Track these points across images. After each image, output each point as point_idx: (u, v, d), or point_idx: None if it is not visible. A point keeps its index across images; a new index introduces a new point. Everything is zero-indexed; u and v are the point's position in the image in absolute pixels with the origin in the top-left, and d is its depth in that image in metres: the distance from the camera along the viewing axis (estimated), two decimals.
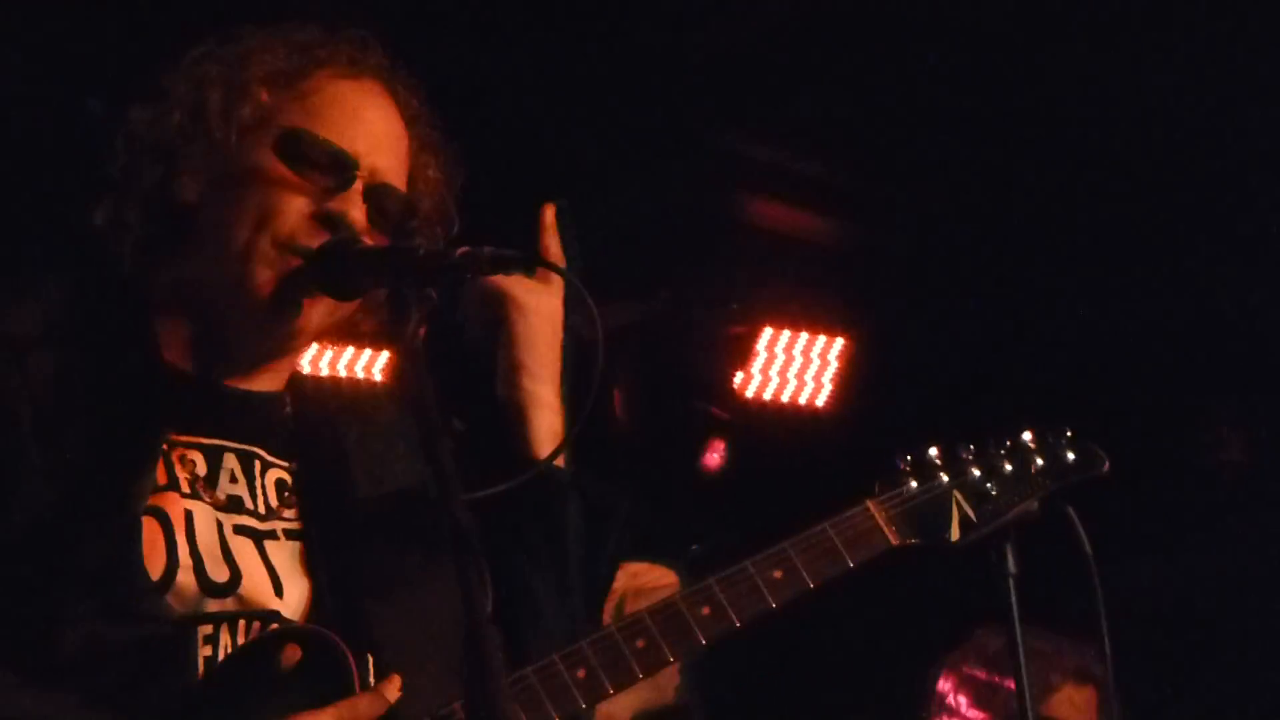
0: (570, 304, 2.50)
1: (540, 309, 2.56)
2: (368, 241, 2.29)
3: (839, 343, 6.42)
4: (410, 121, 2.45)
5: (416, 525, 2.44)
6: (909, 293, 6.30)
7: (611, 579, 2.62)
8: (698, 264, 6.13)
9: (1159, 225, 5.74)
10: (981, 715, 4.29)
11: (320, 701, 2.19)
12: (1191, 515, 6.55)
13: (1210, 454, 6.59)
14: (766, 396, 6.43)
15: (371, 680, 2.22)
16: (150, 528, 2.25)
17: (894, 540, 2.58)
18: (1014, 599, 2.91)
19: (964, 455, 2.64)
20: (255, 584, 2.31)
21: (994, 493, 2.65)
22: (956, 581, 3.24)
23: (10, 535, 2.20)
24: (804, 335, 6.41)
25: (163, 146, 2.37)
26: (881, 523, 2.59)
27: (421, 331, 2.11)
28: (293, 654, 2.22)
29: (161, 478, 2.30)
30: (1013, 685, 3.78)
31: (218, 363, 2.39)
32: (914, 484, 2.61)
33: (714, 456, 6.55)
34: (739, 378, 6.33)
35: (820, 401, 6.45)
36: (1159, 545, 6.60)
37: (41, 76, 4.60)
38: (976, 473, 2.65)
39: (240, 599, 2.29)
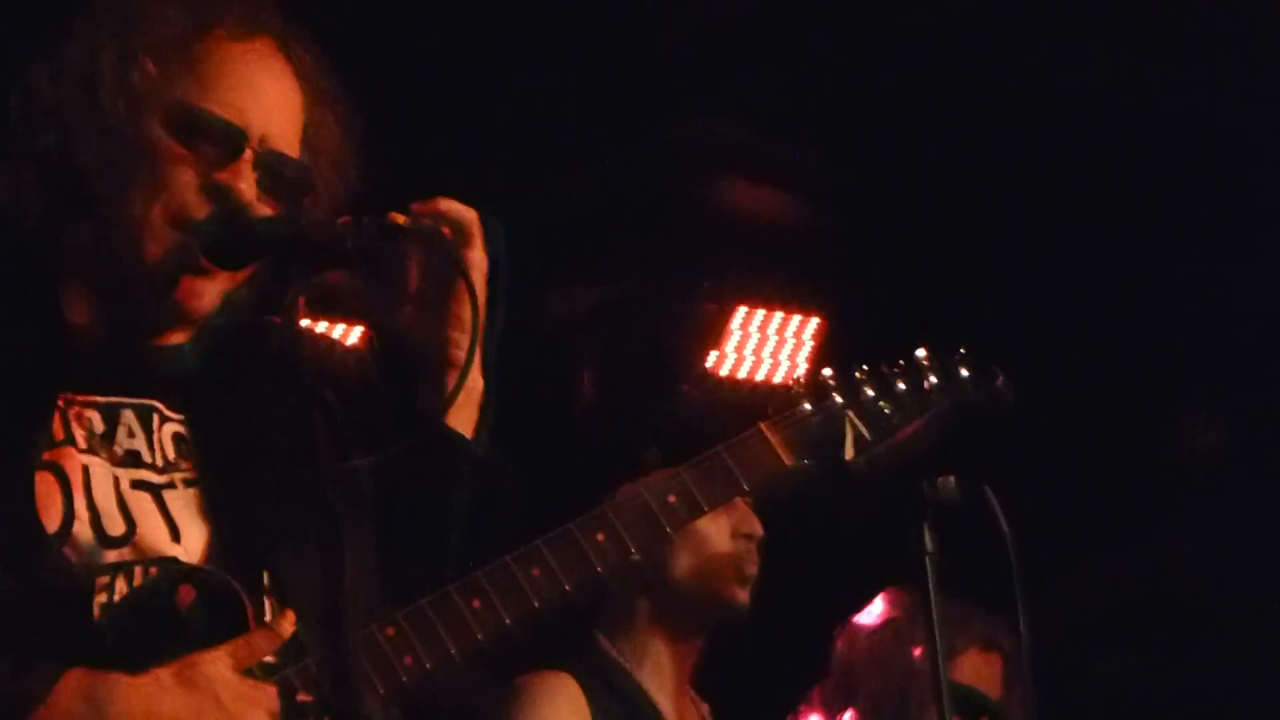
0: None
1: (482, 266, 2.55)
2: (260, 210, 2.32)
3: (814, 322, 6.43)
4: (304, 79, 2.47)
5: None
6: (883, 272, 6.24)
7: (496, 540, 2.57)
8: (670, 244, 6.13)
9: (1140, 210, 5.74)
10: (874, 678, 4.34)
11: (216, 640, 2.22)
12: (1168, 502, 6.57)
13: (1188, 441, 6.57)
14: (741, 375, 6.41)
15: (268, 619, 2.26)
16: (47, 482, 2.28)
17: (788, 461, 2.59)
18: (931, 577, 2.99)
19: (858, 376, 2.66)
20: (151, 533, 2.35)
21: (887, 411, 2.66)
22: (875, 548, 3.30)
23: None
24: (779, 314, 6.40)
25: (57, 110, 2.38)
26: (776, 444, 2.60)
27: (300, 300, 2.14)
28: (186, 594, 2.26)
29: (59, 434, 2.33)
30: (913, 651, 4.17)
31: (119, 324, 2.42)
32: (807, 406, 2.62)
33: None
34: (713, 356, 6.35)
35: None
36: (1136, 531, 6.66)
37: None
38: (870, 392, 2.66)
39: (136, 548, 2.33)
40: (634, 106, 5.37)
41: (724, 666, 4.60)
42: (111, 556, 2.32)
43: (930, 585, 3.05)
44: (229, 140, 2.34)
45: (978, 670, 4.40)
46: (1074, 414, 6.42)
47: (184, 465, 2.44)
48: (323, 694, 2.06)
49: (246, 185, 2.33)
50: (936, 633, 3.06)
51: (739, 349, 6.35)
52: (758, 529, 3.80)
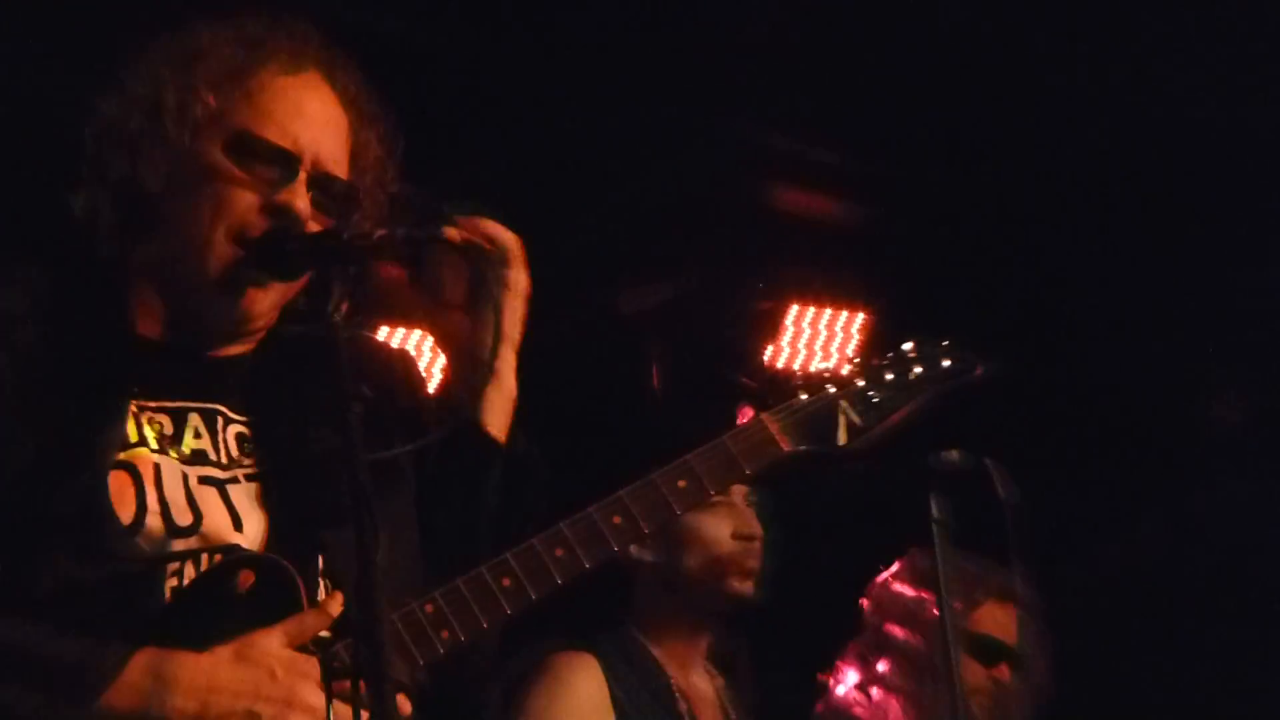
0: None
1: (521, 285, 2.65)
2: (314, 227, 2.42)
3: (860, 316, 6.56)
4: (349, 105, 2.55)
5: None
6: (921, 269, 6.33)
7: (525, 532, 2.64)
8: (728, 248, 6.24)
9: (1169, 199, 5.76)
10: (902, 631, 4.46)
11: (272, 620, 2.29)
12: (1188, 476, 6.58)
13: (1209, 416, 6.58)
14: (795, 366, 6.50)
15: (321, 599, 2.32)
16: (121, 479, 2.37)
17: (785, 447, 2.65)
18: (939, 541, 3.18)
19: (849, 368, 2.73)
20: (216, 523, 2.42)
21: (876, 400, 2.72)
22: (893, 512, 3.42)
23: None
24: (828, 310, 6.52)
25: (126, 141, 2.47)
26: (775, 433, 2.66)
27: (344, 306, 2.24)
28: (246, 579, 2.34)
29: (133, 436, 2.40)
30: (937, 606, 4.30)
31: (185, 334, 2.52)
32: (804, 397, 2.69)
33: (744, 420, 6.76)
34: (769, 351, 6.49)
35: (845, 371, 6.75)
36: (1155, 505, 6.68)
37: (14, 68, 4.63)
38: (861, 383, 2.72)
39: (202, 537, 2.40)
40: (694, 121, 5.49)
41: (765, 631, 4.89)
42: (180, 545, 2.40)
43: (938, 548, 3.23)
44: (285, 164, 2.44)
45: (996, 620, 4.50)
46: (1111, 393, 6.44)
47: (246, 462, 2.50)
48: (358, 662, 2.08)
49: (302, 204, 2.43)
50: (944, 590, 3.22)
51: (793, 343, 6.52)
52: (756, 529, 3.87)
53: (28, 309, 2.43)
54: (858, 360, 2.76)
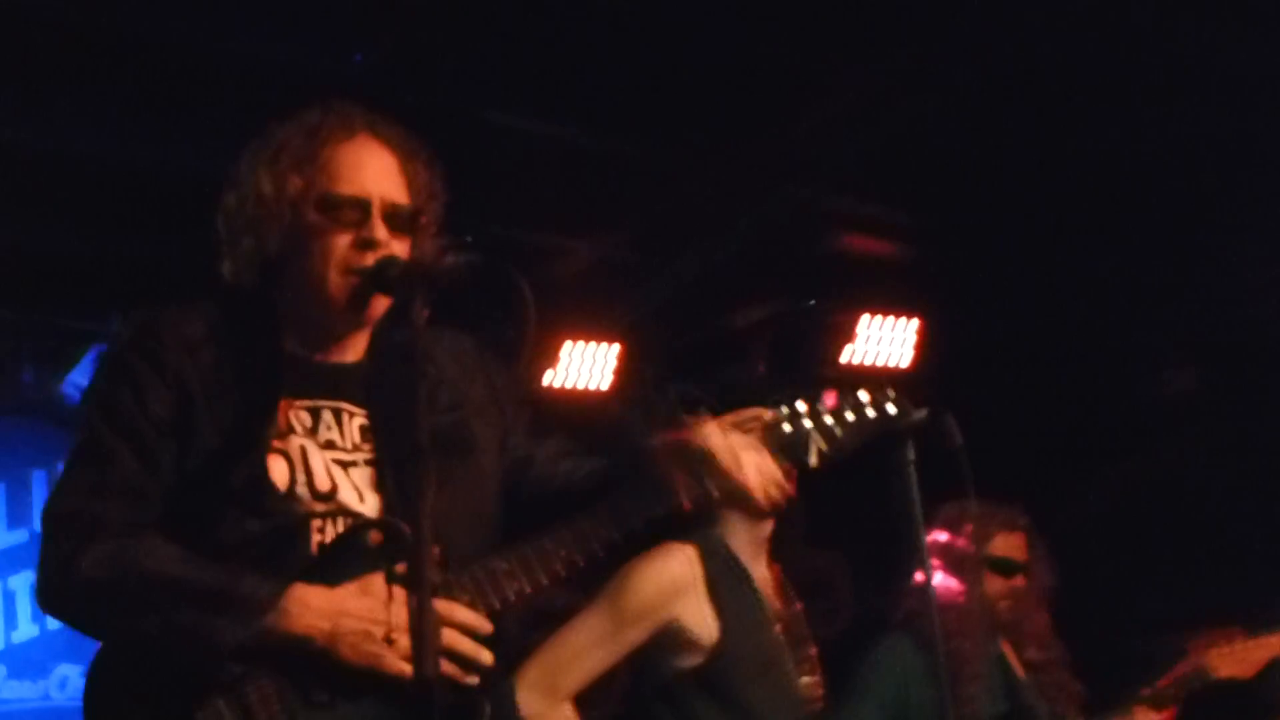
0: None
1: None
2: (396, 248, 2.66)
3: (914, 322, 7.47)
4: (396, 148, 2.77)
5: (458, 442, 2.77)
6: (961, 286, 7.21)
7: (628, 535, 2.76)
8: (813, 274, 7.12)
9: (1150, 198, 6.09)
10: (939, 562, 4.78)
11: (389, 566, 2.54)
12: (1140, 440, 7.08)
13: (1161, 385, 7.06)
14: (867, 362, 7.40)
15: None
16: (278, 461, 2.62)
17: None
18: (914, 484, 3.32)
19: (822, 407, 2.87)
20: (347, 495, 2.65)
21: (839, 434, 2.88)
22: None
23: (190, 468, 2.61)
24: (890, 318, 7.43)
25: (246, 224, 2.74)
26: (767, 450, 2.80)
27: (425, 314, 2.43)
28: (375, 537, 2.59)
29: (284, 427, 2.65)
30: (963, 542, 4.78)
31: (317, 348, 2.76)
32: (787, 427, 2.85)
33: (829, 401, 7.42)
34: (847, 350, 7.38)
35: (904, 364, 7.52)
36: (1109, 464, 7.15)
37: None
38: (829, 420, 2.87)
39: (338, 504, 2.64)
40: (776, 189, 6.29)
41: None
42: (321, 508, 2.63)
43: (912, 484, 3.33)
44: (361, 208, 2.69)
45: (1008, 545, 4.91)
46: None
47: (365, 448, 2.72)
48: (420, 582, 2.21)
49: (382, 234, 2.67)
50: (918, 519, 3.32)
51: (864, 345, 7.41)
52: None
53: (204, 335, 2.70)
54: (829, 401, 2.89)
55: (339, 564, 2.57)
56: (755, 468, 2.77)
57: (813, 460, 2.88)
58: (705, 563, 3.75)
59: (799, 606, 3.94)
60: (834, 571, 4.29)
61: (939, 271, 7.13)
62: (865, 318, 7.39)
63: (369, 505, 2.65)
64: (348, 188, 2.70)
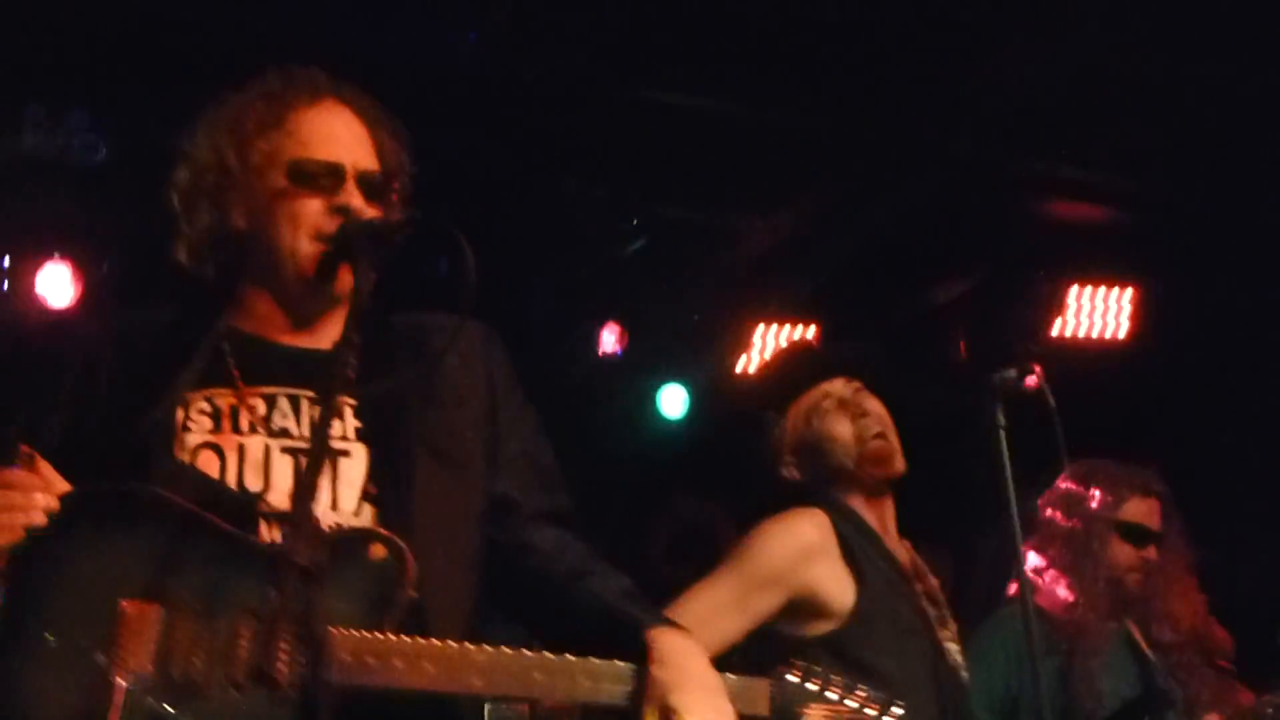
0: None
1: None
2: (370, 213, 2.61)
3: (1129, 291, 7.34)
4: (363, 114, 2.75)
5: (446, 449, 2.68)
6: (1183, 251, 6.97)
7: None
8: (1017, 245, 6.97)
9: None
10: (1063, 517, 4.72)
11: (379, 586, 2.41)
12: None
13: None
14: (1080, 335, 7.28)
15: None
16: (208, 458, 2.55)
17: (766, 713, 2.62)
18: (1004, 448, 3.27)
19: (831, 685, 2.67)
20: (280, 492, 2.53)
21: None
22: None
23: (91, 455, 2.53)
24: (1101, 288, 7.29)
25: (207, 195, 2.69)
26: (766, 699, 2.63)
27: (372, 277, 2.47)
28: (379, 550, 2.44)
29: (226, 425, 2.57)
30: (1091, 503, 4.66)
31: (283, 330, 2.70)
32: (794, 680, 2.67)
33: (1032, 379, 7.34)
34: (1057, 323, 7.21)
35: (1122, 335, 7.39)
36: None
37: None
38: (832, 696, 2.67)
39: (266, 503, 2.52)
40: (990, 153, 6.14)
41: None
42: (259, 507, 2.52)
43: (1003, 450, 3.29)
44: (335, 175, 2.66)
45: (1139, 510, 4.73)
46: None
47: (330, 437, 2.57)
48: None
49: (357, 201, 2.64)
50: (1009, 484, 3.24)
51: (1076, 316, 7.28)
52: (875, 427, 3.81)
53: (145, 331, 2.69)
54: (839, 685, 2.70)
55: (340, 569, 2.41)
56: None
57: None
58: (836, 526, 3.66)
59: (935, 581, 3.81)
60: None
61: (1157, 237, 6.92)
62: (1075, 288, 7.27)
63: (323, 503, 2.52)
64: (320, 153, 2.66)
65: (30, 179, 5.50)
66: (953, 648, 3.69)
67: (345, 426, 2.61)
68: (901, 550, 3.82)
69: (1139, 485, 4.77)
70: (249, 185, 2.67)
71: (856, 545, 3.66)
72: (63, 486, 2.39)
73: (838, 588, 3.59)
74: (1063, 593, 4.63)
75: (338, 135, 2.69)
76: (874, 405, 3.86)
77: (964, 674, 3.69)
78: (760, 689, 2.63)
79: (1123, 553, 4.72)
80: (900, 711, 2.72)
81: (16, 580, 2.34)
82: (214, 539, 2.39)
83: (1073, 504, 4.75)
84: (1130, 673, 4.66)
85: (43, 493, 2.35)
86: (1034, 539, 4.64)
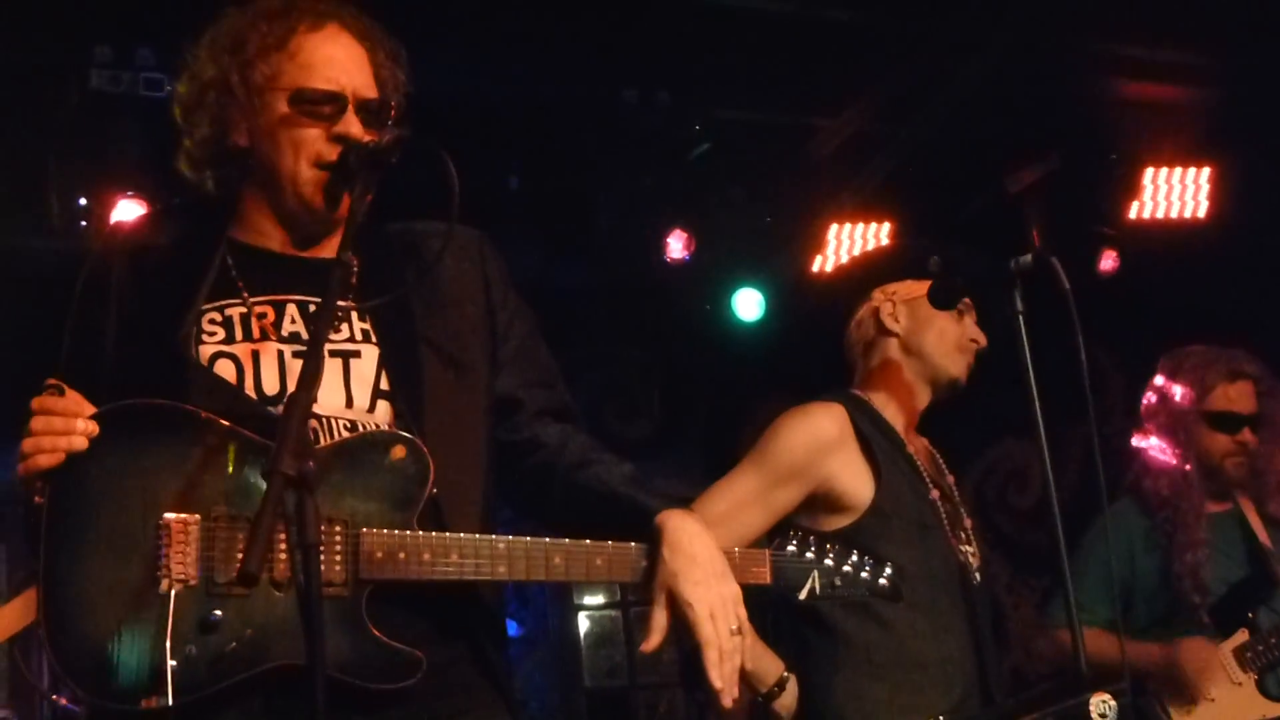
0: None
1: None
2: (368, 138, 2.63)
3: (1206, 170, 7.33)
4: (364, 38, 2.77)
5: (450, 353, 2.75)
6: (1258, 128, 6.93)
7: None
8: (1091, 130, 6.96)
9: None
10: (1153, 411, 4.86)
11: (405, 484, 2.50)
12: None
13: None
14: (1159, 217, 7.36)
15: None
16: (225, 366, 2.60)
17: (768, 580, 2.78)
18: (1022, 329, 3.29)
19: (829, 552, 2.86)
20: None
21: (833, 585, 2.86)
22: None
23: (107, 374, 2.61)
24: (1178, 169, 7.31)
25: (206, 111, 2.72)
26: (768, 566, 2.79)
27: (368, 197, 2.54)
28: (400, 451, 2.54)
29: (239, 334, 2.63)
30: (1180, 396, 4.74)
31: (287, 243, 2.75)
32: (793, 549, 2.84)
33: (1108, 263, 7.36)
34: (1134, 206, 7.30)
35: (1201, 214, 7.41)
36: None
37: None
38: (829, 563, 2.86)
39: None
40: (1064, 37, 6.17)
41: None
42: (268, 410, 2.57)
43: (1023, 335, 3.29)
44: (336, 102, 2.68)
45: (1227, 396, 4.75)
46: None
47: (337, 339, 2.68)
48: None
49: (357, 129, 2.67)
50: (1029, 365, 3.23)
51: (1153, 198, 7.35)
52: (980, 339, 3.84)
53: (160, 242, 2.75)
54: (838, 547, 2.89)
55: (353, 464, 2.53)
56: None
57: (801, 595, 2.85)
58: (854, 420, 3.68)
59: (951, 479, 3.85)
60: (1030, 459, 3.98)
61: (1233, 115, 6.90)
62: (1150, 170, 7.27)
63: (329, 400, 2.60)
64: (322, 82, 2.68)
65: (101, 119, 5.59)
66: (967, 549, 3.72)
67: (353, 328, 2.68)
68: (921, 448, 3.84)
69: (1225, 371, 4.76)
70: (250, 105, 2.70)
71: (874, 440, 3.69)
72: (91, 410, 2.46)
73: (855, 482, 3.63)
74: (1161, 487, 4.71)
75: (339, 62, 2.71)
76: (980, 335, 3.90)
77: (976, 574, 3.71)
78: (761, 559, 2.78)
79: (1216, 441, 4.75)
80: (889, 571, 2.91)
81: (60, 500, 2.42)
82: (241, 446, 2.47)
83: (1162, 399, 4.80)
84: (1238, 555, 4.70)
85: (83, 419, 2.42)
86: (1138, 431, 4.77)
